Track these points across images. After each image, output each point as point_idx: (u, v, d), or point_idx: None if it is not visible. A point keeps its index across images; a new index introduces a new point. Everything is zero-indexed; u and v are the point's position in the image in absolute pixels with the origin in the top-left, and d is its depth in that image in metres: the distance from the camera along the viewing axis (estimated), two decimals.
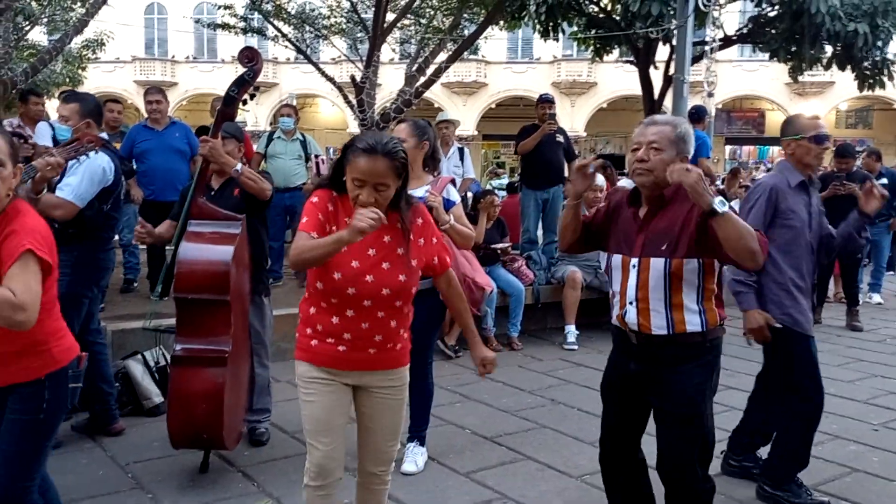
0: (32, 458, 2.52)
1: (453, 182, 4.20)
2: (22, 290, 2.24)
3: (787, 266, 3.59)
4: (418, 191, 3.92)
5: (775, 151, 30.61)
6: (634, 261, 2.79)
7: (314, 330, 2.64)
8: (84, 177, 3.93)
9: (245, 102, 3.96)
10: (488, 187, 9.32)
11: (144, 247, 7.03)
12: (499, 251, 6.83)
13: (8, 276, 2.26)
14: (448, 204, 3.94)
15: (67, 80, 19.14)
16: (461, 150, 7.99)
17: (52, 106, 11.70)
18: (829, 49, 11.65)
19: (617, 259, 2.87)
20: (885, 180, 9.22)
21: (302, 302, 2.70)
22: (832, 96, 29.26)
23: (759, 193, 3.62)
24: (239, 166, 3.97)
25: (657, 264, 2.73)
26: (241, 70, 3.96)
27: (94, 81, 26.18)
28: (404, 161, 2.54)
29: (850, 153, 8.24)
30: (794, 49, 11.56)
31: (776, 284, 3.61)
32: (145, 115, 6.87)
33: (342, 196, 2.59)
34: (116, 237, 7.13)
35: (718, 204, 2.50)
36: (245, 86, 3.90)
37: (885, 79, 11.66)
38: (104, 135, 6.28)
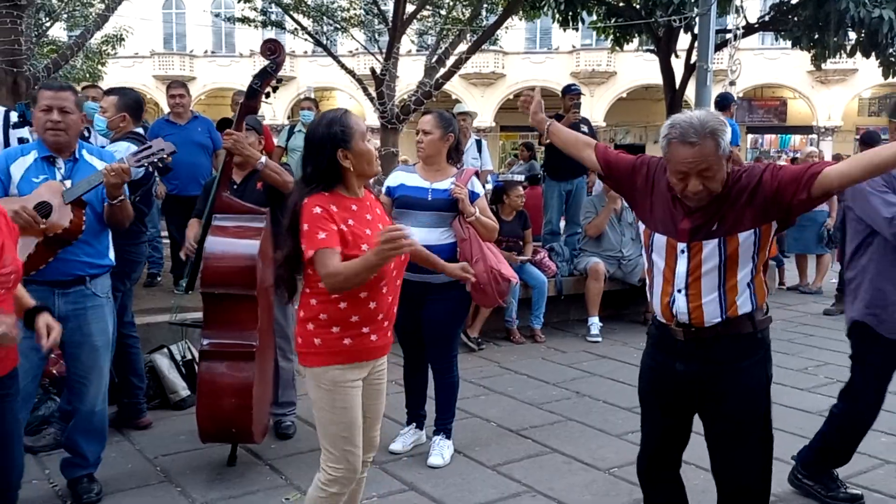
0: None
1: (477, 174, 4.18)
2: None
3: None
4: (443, 183, 3.91)
5: (797, 140, 30.31)
6: (682, 245, 2.54)
7: (347, 325, 2.58)
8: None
9: (268, 95, 3.95)
10: (510, 177, 9.25)
11: (168, 241, 7.07)
12: (520, 259, 6.76)
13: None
14: (473, 196, 3.93)
15: (88, 75, 19.26)
16: (478, 142, 7.97)
17: None
18: (852, 36, 11.51)
19: (661, 240, 2.60)
20: None
21: (317, 305, 2.58)
22: (855, 84, 28.87)
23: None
24: (264, 159, 3.98)
25: (711, 246, 2.51)
26: (261, 63, 3.95)
27: (114, 77, 26.25)
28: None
29: (875, 140, 8.15)
30: (816, 36, 11.44)
31: (880, 278, 3.37)
32: (166, 110, 6.88)
33: (333, 192, 2.58)
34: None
35: None
36: (268, 78, 3.89)
37: None
38: (140, 130, 6.33)
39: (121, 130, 4.19)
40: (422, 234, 3.71)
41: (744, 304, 2.57)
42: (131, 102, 4.28)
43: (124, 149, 3.89)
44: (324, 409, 2.60)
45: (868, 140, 8.07)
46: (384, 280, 2.60)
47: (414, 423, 4.28)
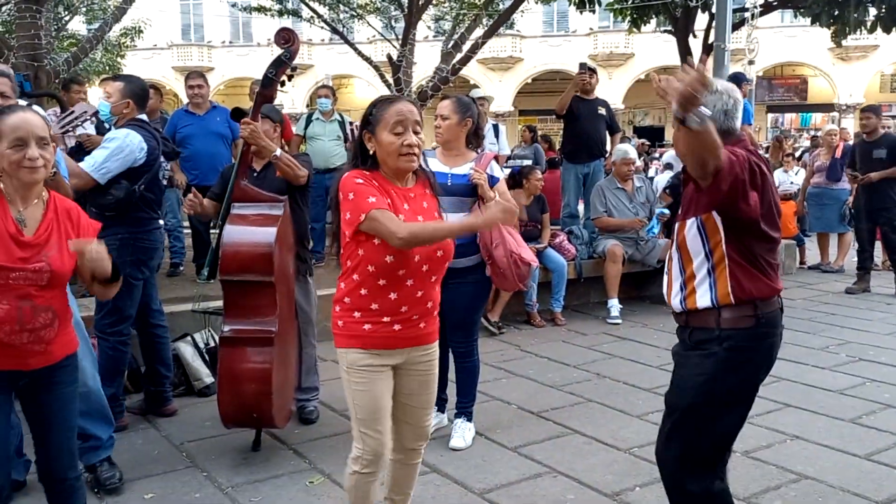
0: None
1: (496, 159, 4.18)
2: None
3: None
4: (462, 167, 3.92)
5: (818, 119, 29.95)
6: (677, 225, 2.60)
7: (367, 311, 2.57)
8: (110, 153, 3.93)
9: (283, 84, 3.97)
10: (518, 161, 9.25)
11: (189, 231, 7.14)
12: (537, 248, 6.74)
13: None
14: (492, 181, 3.93)
15: (107, 67, 19.42)
16: (496, 127, 7.97)
17: (93, 94, 11.88)
18: (872, 11, 11.34)
19: None
20: None
21: (345, 288, 2.61)
22: (877, 60, 28.48)
23: None
24: (278, 151, 3.98)
25: (676, 229, 2.57)
26: (277, 52, 3.97)
27: (133, 69, 26.39)
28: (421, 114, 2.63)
29: (872, 109, 8.12)
30: (836, 13, 11.29)
31: None
32: (185, 101, 6.94)
33: (373, 172, 2.57)
34: (161, 221, 7.30)
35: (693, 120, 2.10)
36: (283, 67, 3.91)
37: None
38: (143, 116, 6.37)
39: (124, 117, 4.15)
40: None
41: (702, 298, 2.49)
42: (137, 90, 4.27)
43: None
44: (347, 388, 2.65)
45: (866, 108, 8.16)
46: (407, 273, 2.55)
47: (435, 407, 4.30)
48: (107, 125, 3.96)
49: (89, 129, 4.88)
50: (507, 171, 7.54)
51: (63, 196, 2.64)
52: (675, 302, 2.58)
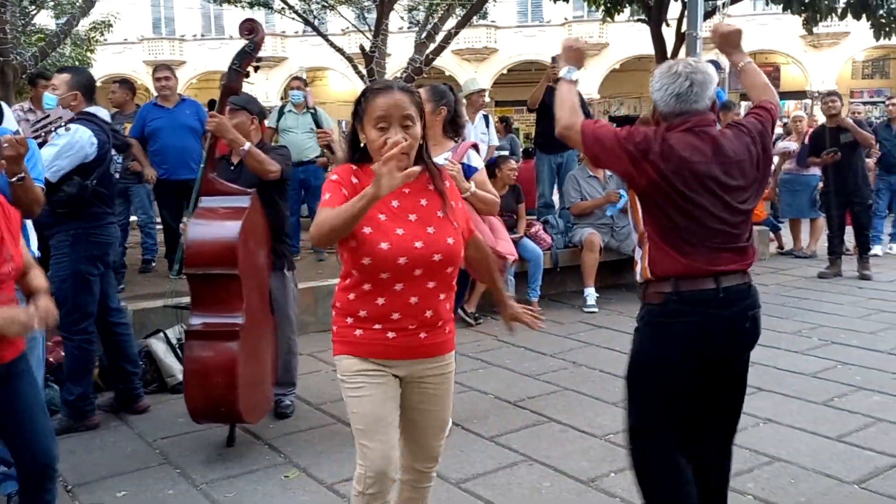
0: None
1: (475, 147, 4.11)
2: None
3: None
4: (438, 158, 3.86)
5: (791, 105, 30.21)
6: None
7: (357, 318, 2.36)
8: (60, 150, 3.84)
9: (248, 75, 3.93)
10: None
11: (160, 227, 7.07)
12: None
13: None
14: (470, 170, 3.87)
15: (76, 62, 19.13)
16: (486, 117, 7.97)
17: None
18: None
19: None
20: None
21: (338, 291, 2.43)
22: (848, 47, 28.72)
23: None
24: (247, 145, 3.91)
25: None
26: (241, 43, 3.93)
27: (103, 63, 26.13)
28: (419, 102, 2.35)
29: (836, 94, 8.26)
30: (807, 0, 11.34)
31: None
32: (155, 94, 6.86)
33: (363, 166, 2.34)
34: (134, 217, 7.23)
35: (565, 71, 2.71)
36: (247, 58, 3.87)
37: None
38: (96, 109, 6.28)
39: (72, 110, 4.01)
40: None
41: (638, 272, 2.66)
42: (84, 81, 4.17)
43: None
44: (344, 398, 2.42)
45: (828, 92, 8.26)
46: (393, 277, 2.29)
47: None
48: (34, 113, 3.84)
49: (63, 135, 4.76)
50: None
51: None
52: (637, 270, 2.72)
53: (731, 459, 2.84)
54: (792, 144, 9.64)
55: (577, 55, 2.81)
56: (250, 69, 3.89)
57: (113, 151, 4.32)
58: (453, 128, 3.94)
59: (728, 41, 2.86)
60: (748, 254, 2.62)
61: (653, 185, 2.50)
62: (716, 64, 8.54)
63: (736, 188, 2.55)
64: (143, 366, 4.75)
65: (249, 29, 3.83)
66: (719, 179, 2.51)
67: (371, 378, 2.36)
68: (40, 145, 3.99)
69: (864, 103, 23.70)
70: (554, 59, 7.94)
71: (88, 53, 20.33)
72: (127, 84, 7.50)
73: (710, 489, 2.75)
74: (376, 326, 2.35)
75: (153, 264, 7.08)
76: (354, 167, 2.37)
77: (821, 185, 9.02)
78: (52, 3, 16.72)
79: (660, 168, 2.47)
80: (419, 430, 2.52)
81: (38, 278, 2.62)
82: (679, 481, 2.64)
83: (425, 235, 2.32)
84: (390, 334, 2.34)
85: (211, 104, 4.23)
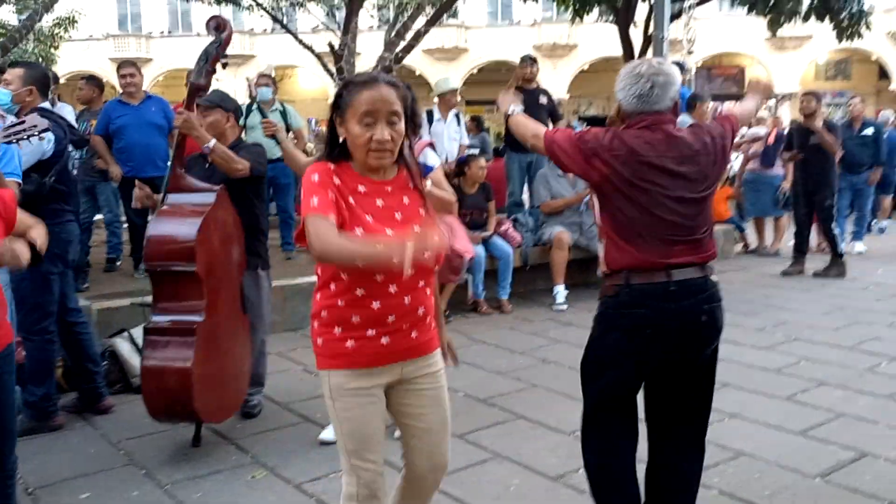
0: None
1: (432, 146, 4.10)
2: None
3: None
4: None
5: None
6: None
7: (348, 325, 2.22)
8: (15, 149, 3.72)
9: (214, 72, 3.89)
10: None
11: (126, 225, 6.98)
12: (481, 237, 6.77)
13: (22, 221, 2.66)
14: (426, 169, 3.83)
15: (40, 59, 18.83)
16: (457, 116, 7.99)
17: None
18: (806, 1, 11.61)
19: None
20: (870, 130, 9.28)
21: (321, 300, 2.28)
22: (811, 49, 29.22)
23: None
24: (212, 142, 3.86)
25: None
26: (208, 40, 3.88)
27: (68, 60, 25.77)
28: (407, 96, 2.23)
29: (814, 94, 8.36)
30: (771, 2, 11.52)
31: None
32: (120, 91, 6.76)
33: (342, 164, 2.23)
34: (100, 216, 7.12)
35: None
36: (215, 56, 3.83)
37: (863, 29, 11.65)
38: (61, 106, 6.17)
39: (27, 105, 3.98)
40: None
41: (600, 266, 2.80)
42: (39, 76, 4.10)
43: None
44: (332, 416, 2.31)
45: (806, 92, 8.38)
46: (388, 279, 2.18)
47: None
48: (7, 116, 3.77)
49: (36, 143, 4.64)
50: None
51: None
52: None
53: (700, 463, 2.85)
54: (762, 130, 9.79)
55: (516, 98, 3.13)
56: (218, 66, 3.85)
57: (70, 147, 4.24)
58: (410, 126, 3.90)
59: (765, 91, 3.39)
60: (705, 246, 2.65)
61: (605, 180, 2.60)
62: (681, 66, 8.64)
63: (690, 179, 2.60)
64: (106, 365, 4.69)
65: (217, 26, 3.79)
66: (671, 170, 2.58)
67: (363, 397, 2.25)
68: (56, 153, 3.95)
69: (827, 104, 24.06)
70: (523, 59, 7.98)
71: (52, 50, 20.03)
72: (94, 80, 7.40)
73: (675, 491, 2.79)
74: (370, 332, 2.22)
75: (118, 263, 6.98)
76: (333, 165, 2.22)
77: (784, 184, 9.16)
78: None
79: (609, 162, 2.58)
80: (421, 435, 2.36)
81: (32, 230, 2.75)
82: (618, 468, 2.75)
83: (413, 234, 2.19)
84: (384, 339, 2.23)
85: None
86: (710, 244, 2.67)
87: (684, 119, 6.92)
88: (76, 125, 6.51)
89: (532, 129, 2.85)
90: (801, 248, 8.36)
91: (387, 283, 2.20)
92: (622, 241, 2.62)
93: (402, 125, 2.21)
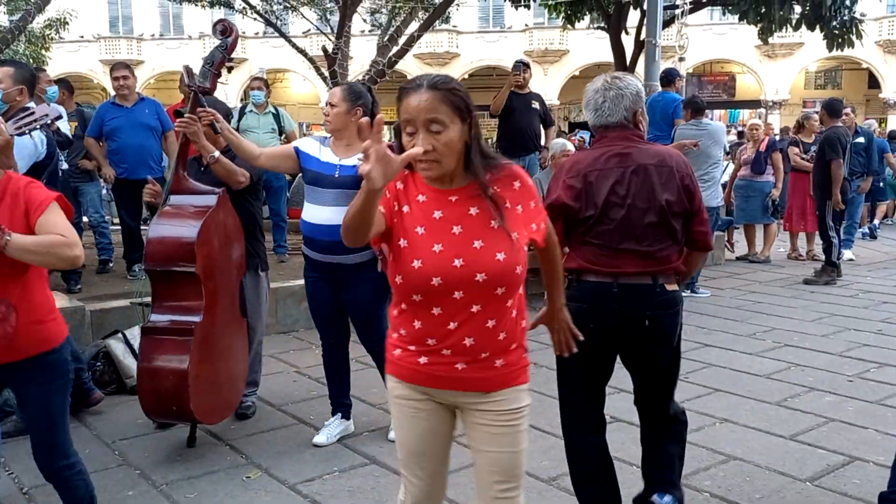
0: (67, 415, 2.65)
1: (391, 149, 4.06)
2: (66, 229, 2.43)
3: None
4: (352, 159, 3.72)
5: (746, 115, 30.82)
6: None
7: (399, 335, 2.14)
8: (14, 151, 3.78)
9: (219, 76, 3.90)
10: None
11: (118, 227, 6.98)
12: None
13: (44, 224, 2.41)
14: None
15: (31, 60, 18.77)
16: None
17: None
18: (797, 9, 11.72)
19: None
20: (861, 139, 9.37)
21: (391, 304, 2.21)
22: (801, 57, 29.44)
23: None
24: (216, 154, 3.86)
25: None
26: (211, 45, 3.90)
27: (59, 62, 25.71)
28: (463, 99, 2.02)
29: (837, 109, 8.40)
30: (763, 10, 11.62)
31: None
32: (112, 93, 6.76)
33: (413, 172, 2.10)
34: (86, 218, 7.11)
35: None
36: (220, 59, 3.84)
37: (854, 38, 11.76)
38: (54, 107, 6.17)
39: (17, 104, 3.94)
40: (329, 214, 3.61)
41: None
42: (28, 75, 4.06)
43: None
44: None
45: (831, 110, 8.30)
46: (428, 300, 2.03)
47: (339, 413, 4.10)
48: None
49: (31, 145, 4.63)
50: None
51: (22, 178, 2.55)
52: None
53: (669, 440, 3.09)
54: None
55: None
56: (223, 70, 3.86)
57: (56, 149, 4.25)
58: (472, 131, 3.85)
59: None
60: (656, 259, 2.80)
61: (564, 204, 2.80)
62: (674, 72, 8.70)
63: (638, 203, 2.78)
64: (100, 366, 4.69)
65: (223, 29, 3.80)
66: (618, 192, 2.77)
67: (409, 408, 2.16)
68: (48, 156, 3.94)
69: (817, 113, 24.27)
70: (516, 65, 8.02)
71: (44, 52, 19.98)
72: (64, 83, 7.40)
73: (653, 466, 3.11)
74: (411, 348, 2.11)
75: (111, 265, 6.97)
76: (407, 171, 2.09)
77: (773, 191, 9.24)
78: (5, 0, 16.37)
79: (567, 185, 2.80)
80: (477, 469, 2.20)
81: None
82: (580, 431, 3.11)
83: (468, 251, 2.00)
84: (422, 359, 2.09)
85: (176, 114, 4.13)
86: (662, 257, 2.81)
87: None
88: (65, 127, 6.52)
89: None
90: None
91: (427, 303, 2.04)
92: (580, 247, 2.89)
93: (450, 133, 1.98)
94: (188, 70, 3.89)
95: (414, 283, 2.02)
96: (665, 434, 3.09)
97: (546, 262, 2.39)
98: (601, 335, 2.82)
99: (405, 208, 2.06)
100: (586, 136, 14.12)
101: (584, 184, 2.78)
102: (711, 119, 9.23)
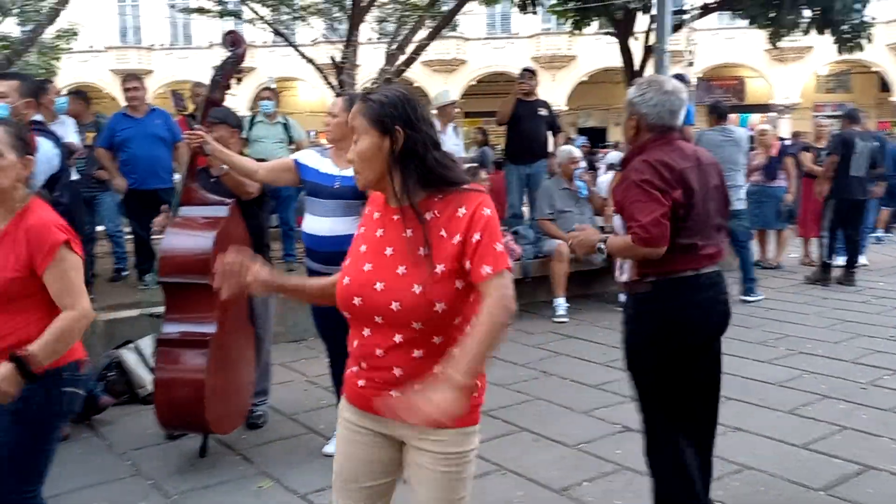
0: (32, 459, 2.42)
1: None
2: (71, 287, 2.34)
3: None
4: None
5: (756, 119, 30.72)
6: None
7: (350, 352, 2.03)
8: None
9: (228, 87, 3.92)
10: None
11: (131, 236, 7.01)
12: None
13: (51, 282, 2.32)
14: None
15: (42, 70, 18.89)
16: (455, 129, 8.04)
17: None
18: (807, 13, 11.68)
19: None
20: (875, 144, 9.33)
21: None
22: (811, 61, 29.30)
23: None
24: (225, 167, 3.87)
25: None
26: (221, 55, 3.92)
27: (69, 72, 25.86)
28: (381, 112, 1.90)
29: (856, 118, 8.50)
30: (772, 14, 11.58)
31: None
32: (123, 104, 6.80)
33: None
34: (101, 227, 7.15)
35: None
36: (229, 70, 3.86)
37: (864, 41, 11.71)
38: (64, 119, 6.20)
39: (24, 118, 3.88)
40: (329, 224, 3.61)
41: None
42: (33, 87, 4.03)
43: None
44: None
45: (852, 118, 8.39)
46: (354, 319, 1.97)
47: None
48: None
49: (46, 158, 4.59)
50: None
51: (40, 213, 2.42)
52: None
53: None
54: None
55: (594, 233, 3.24)
56: (232, 81, 3.88)
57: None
58: (404, 141, 3.84)
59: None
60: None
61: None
62: (682, 78, 8.68)
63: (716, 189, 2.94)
64: (113, 376, 4.71)
65: (233, 41, 3.82)
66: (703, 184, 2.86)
67: (349, 431, 2.04)
68: (62, 168, 3.96)
69: (828, 117, 24.19)
70: (522, 73, 8.02)
71: (54, 62, 20.10)
72: (80, 94, 7.44)
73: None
74: (353, 368, 2.02)
75: (125, 273, 7.00)
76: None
77: (787, 196, 9.21)
78: (17, 11, 16.49)
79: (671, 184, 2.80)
80: None
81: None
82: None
83: (391, 276, 1.88)
84: (360, 381, 1.98)
85: (189, 118, 4.15)
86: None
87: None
88: (76, 138, 6.56)
89: (622, 243, 2.84)
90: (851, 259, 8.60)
91: (358, 323, 1.96)
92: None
93: (366, 144, 1.91)
94: (176, 95, 3.87)
95: (341, 299, 1.96)
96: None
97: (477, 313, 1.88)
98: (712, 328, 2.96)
99: (362, 229, 2.04)
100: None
101: (684, 184, 2.79)
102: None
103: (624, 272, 2.94)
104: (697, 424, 2.97)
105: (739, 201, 7.44)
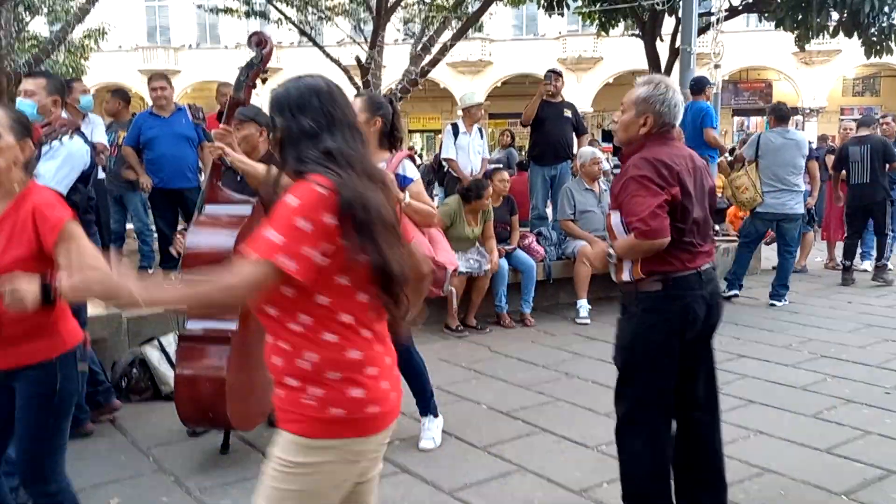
0: (55, 438, 2.54)
1: (411, 158, 4.07)
2: (96, 254, 2.42)
3: None
4: None
5: None
6: None
7: None
8: (65, 162, 3.79)
9: (254, 87, 3.95)
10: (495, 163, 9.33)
11: (156, 234, 7.09)
12: (506, 249, 6.84)
13: (64, 259, 2.34)
14: (405, 181, 3.76)
15: (70, 70, 19.15)
16: (480, 130, 8.05)
17: None
18: (835, 16, 11.56)
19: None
20: None
21: None
22: (839, 64, 28.96)
23: None
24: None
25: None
26: (247, 55, 3.96)
27: (97, 71, 26.14)
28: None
29: (869, 122, 8.51)
30: (800, 17, 11.49)
31: None
32: (150, 103, 6.87)
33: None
34: (130, 225, 7.25)
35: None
36: (255, 70, 3.89)
37: (893, 45, 11.58)
38: (93, 117, 6.29)
39: (52, 115, 3.94)
40: None
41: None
42: (59, 86, 4.07)
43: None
44: None
45: (865, 122, 8.38)
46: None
47: (430, 415, 4.15)
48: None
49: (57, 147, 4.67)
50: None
51: (42, 194, 2.50)
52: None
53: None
54: None
55: (602, 246, 3.23)
56: (258, 81, 3.91)
57: None
58: (390, 140, 3.82)
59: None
60: None
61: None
62: (705, 80, 8.64)
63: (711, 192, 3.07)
64: (136, 373, 4.76)
65: (258, 41, 3.85)
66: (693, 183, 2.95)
67: None
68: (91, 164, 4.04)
69: (854, 120, 23.92)
70: (547, 74, 8.01)
71: (83, 61, 20.36)
72: (120, 93, 7.53)
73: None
74: None
75: (150, 271, 7.07)
76: None
77: (810, 199, 9.12)
78: (46, 10, 16.74)
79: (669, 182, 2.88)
80: None
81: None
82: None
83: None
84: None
85: (219, 116, 4.18)
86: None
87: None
88: (106, 136, 6.64)
89: (626, 243, 2.92)
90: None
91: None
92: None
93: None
94: (193, 108, 3.87)
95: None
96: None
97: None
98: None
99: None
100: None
101: (681, 183, 2.87)
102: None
103: (625, 272, 2.98)
104: (703, 413, 3.09)
105: (798, 205, 7.42)
